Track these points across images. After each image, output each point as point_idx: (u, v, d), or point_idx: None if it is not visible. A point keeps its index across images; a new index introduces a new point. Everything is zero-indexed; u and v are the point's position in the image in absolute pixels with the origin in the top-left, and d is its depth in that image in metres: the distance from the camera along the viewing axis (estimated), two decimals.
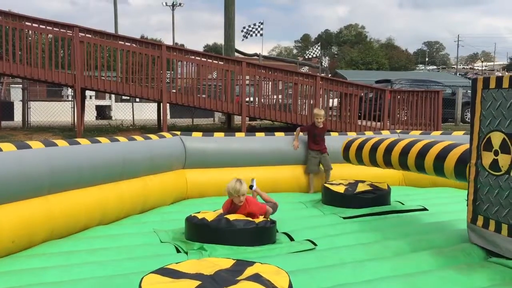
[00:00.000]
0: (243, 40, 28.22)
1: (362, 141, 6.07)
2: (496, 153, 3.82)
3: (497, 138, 3.79)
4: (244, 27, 28.58)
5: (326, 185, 6.34)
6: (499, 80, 3.80)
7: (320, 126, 7.30)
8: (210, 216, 4.53)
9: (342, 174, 7.28)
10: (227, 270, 3.07)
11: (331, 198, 6.16)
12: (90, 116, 20.50)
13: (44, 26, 13.67)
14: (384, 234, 4.79)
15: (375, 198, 6.05)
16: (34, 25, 13.69)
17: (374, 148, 5.76)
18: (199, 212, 4.81)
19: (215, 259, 3.36)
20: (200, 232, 4.39)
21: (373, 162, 5.83)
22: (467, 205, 4.17)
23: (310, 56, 36.64)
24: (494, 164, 3.82)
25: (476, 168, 4.02)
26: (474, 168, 4.05)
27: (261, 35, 28.47)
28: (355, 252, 4.16)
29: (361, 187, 6.18)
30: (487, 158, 3.89)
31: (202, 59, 14.83)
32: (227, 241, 4.29)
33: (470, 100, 4.32)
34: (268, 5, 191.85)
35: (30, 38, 13.78)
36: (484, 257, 4.00)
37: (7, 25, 13.35)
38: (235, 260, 3.28)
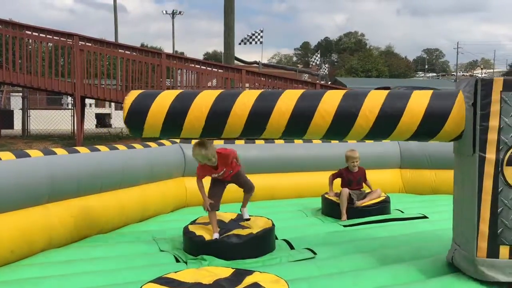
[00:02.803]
0: (240, 44, 28.25)
1: None
2: None
3: None
4: (244, 37, 28.62)
5: (326, 196, 6.30)
6: None
7: (355, 170, 6.30)
8: (208, 230, 4.47)
9: None
10: (226, 279, 3.06)
11: (331, 209, 6.13)
12: (90, 124, 20.53)
13: (44, 35, 13.75)
14: (384, 242, 4.77)
15: (375, 209, 6.02)
16: (34, 33, 13.76)
17: None
18: (196, 220, 4.81)
19: (214, 268, 3.35)
20: (199, 249, 4.31)
21: None
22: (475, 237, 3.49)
23: (313, 64, 36.76)
24: None
25: (495, 187, 3.41)
26: (489, 189, 3.43)
27: (261, 42, 28.56)
28: (355, 261, 4.15)
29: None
30: None
31: (202, 67, 14.89)
32: (228, 257, 4.20)
33: None
34: (267, 13, 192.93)
35: (30, 47, 13.84)
36: None
37: (7, 34, 13.40)
38: (234, 269, 3.27)
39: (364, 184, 6.38)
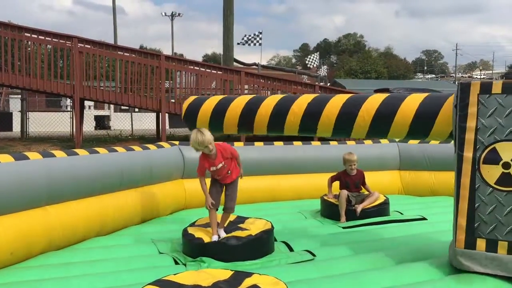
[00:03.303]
0: (238, 44, 28.29)
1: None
2: (506, 166, 3.52)
3: (508, 149, 3.49)
4: (245, 35, 28.58)
5: (325, 198, 6.30)
6: (509, 85, 3.51)
7: (353, 174, 6.30)
8: (207, 232, 4.48)
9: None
10: (225, 282, 3.06)
11: (330, 211, 6.13)
12: (89, 126, 20.51)
13: (43, 37, 13.73)
14: (383, 244, 4.77)
15: (374, 211, 6.03)
16: (33, 36, 13.76)
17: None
18: (195, 222, 4.81)
19: (213, 271, 3.35)
20: (198, 251, 4.32)
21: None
22: (454, 228, 3.74)
23: (310, 66, 36.70)
24: (505, 178, 3.51)
25: (472, 184, 3.61)
26: (467, 185, 3.63)
27: (260, 44, 28.54)
28: (354, 262, 4.15)
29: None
30: (491, 172, 3.54)
31: (201, 69, 14.88)
32: (227, 259, 4.21)
33: None
34: (266, 15, 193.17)
35: (29, 49, 13.83)
36: None
37: (6, 36, 13.39)
38: (233, 271, 3.27)
39: (363, 187, 6.38)
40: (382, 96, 4.33)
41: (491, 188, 3.54)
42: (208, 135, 4.39)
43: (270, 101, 4.76)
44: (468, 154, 3.61)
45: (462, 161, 3.64)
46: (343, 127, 4.38)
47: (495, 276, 3.60)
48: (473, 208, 3.60)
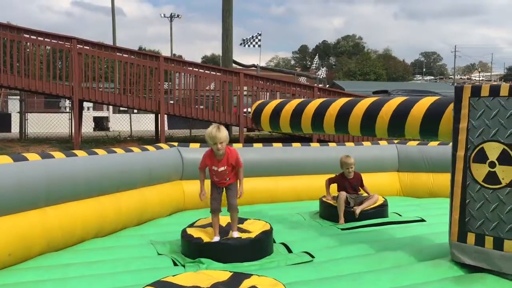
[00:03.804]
0: (241, 45, 28.39)
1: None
2: (492, 165, 3.71)
3: (493, 149, 3.69)
4: (243, 40, 28.64)
5: (324, 199, 6.30)
6: (495, 88, 3.70)
7: (351, 177, 6.30)
8: (206, 233, 4.49)
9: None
10: (224, 283, 3.05)
11: (329, 213, 6.13)
12: (87, 127, 20.50)
13: (42, 38, 13.72)
14: (382, 246, 4.77)
15: (373, 213, 6.02)
16: (32, 37, 13.75)
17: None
18: (194, 223, 4.81)
19: (212, 272, 3.34)
20: (197, 251, 4.33)
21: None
22: (449, 222, 3.99)
23: (314, 68, 36.83)
24: (491, 177, 3.71)
25: (464, 181, 3.86)
26: (459, 182, 3.89)
27: (259, 46, 28.58)
28: (353, 264, 4.14)
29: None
30: (480, 170, 3.77)
31: (200, 70, 14.87)
32: (226, 260, 4.21)
33: None
34: (265, 16, 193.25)
35: (28, 50, 13.82)
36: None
37: (5, 37, 13.39)
38: (232, 273, 3.27)
39: (361, 189, 6.37)
40: (400, 99, 4.72)
41: (479, 186, 3.79)
42: (223, 134, 4.30)
43: (313, 105, 5.43)
44: (460, 153, 3.90)
45: (455, 160, 3.93)
46: (368, 126, 4.82)
47: (494, 277, 3.62)
48: (464, 204, 3.88)
